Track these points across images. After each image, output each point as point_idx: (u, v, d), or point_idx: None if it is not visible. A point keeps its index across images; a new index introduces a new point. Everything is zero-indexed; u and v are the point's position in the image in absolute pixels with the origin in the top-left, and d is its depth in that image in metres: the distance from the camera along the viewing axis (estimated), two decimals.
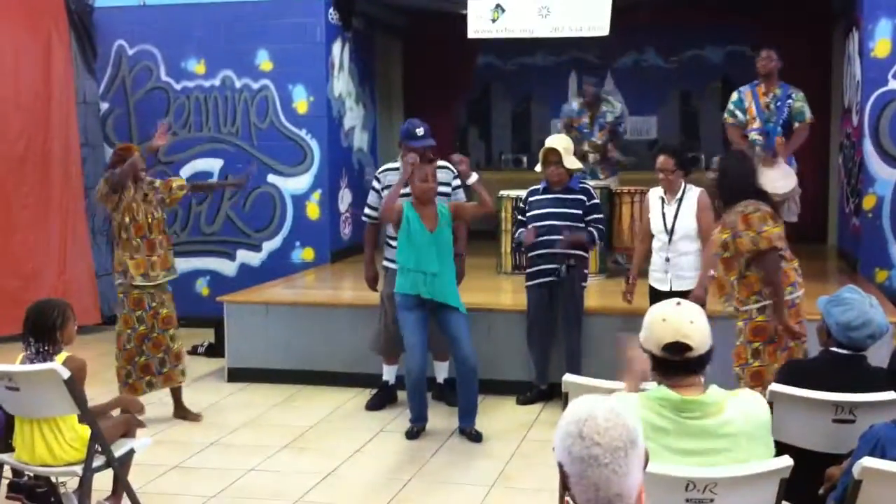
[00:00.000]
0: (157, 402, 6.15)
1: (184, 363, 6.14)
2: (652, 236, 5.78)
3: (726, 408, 2.58)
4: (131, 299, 5.89)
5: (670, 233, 5.65)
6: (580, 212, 6.07)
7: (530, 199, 6.21)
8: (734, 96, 7.38)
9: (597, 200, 6.24)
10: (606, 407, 1.85)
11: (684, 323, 2.58)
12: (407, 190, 5.59)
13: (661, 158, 5.69)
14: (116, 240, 5.93)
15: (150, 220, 5.89)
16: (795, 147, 7.21)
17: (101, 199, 5.94)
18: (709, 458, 2.57)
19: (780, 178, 6.93)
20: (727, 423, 2.57)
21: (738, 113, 7.31)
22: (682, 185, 5.70)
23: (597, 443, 1.78)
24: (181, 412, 6.13)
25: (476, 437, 5.60)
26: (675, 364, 2.58)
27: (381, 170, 6.16)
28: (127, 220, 5.83)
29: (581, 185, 6.20)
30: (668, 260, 5.67)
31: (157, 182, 6.08)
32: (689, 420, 2.56)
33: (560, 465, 1.83)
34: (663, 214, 5.70)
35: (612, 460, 1.77)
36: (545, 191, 6.15)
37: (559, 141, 6.26)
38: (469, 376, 5.62)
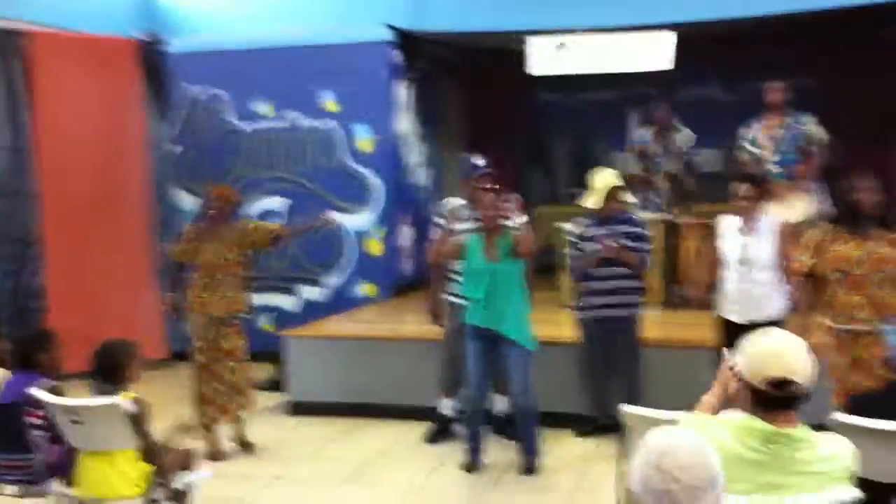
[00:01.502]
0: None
1: (246, 396, 6.24)
2: (724, 266, 5.62)
3: (816, 445, 2.53)
4: (195, 334, 6.09)
5: (750, 263, 5.50)
6: (634, 243, 6.06)
7: (582, 233, 6.19)
8: (744, 133, 7.37)
9: (646, 232, 6.21)
10: (690, 443, 1.82)
11: (793, 358, 2.51)
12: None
13: (744, 186, 5.52)
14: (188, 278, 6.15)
15: (220, 260, 6.07)
16: (815, 171, 7.15)
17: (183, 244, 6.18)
18: (788, 492, 2.51)
19: (795, 208, 6.88)
20: (814, 461, 2.52)
21: (753, 149, 7.29)
22: (761, 214, 5.58)
23: (675, 479, 1.75)
24: (240, 442, 6.26)
25: (533, 471, 5.58)
26: (778, 399, 2.51)
27: (445, 205, 6.23)
28: (198, 260, 6.06)
29: (628, 216, 6.21)
30: (747, 291, 5.49)
31: (251, 224, 6.33)
32: (778, 452, 2.50)
33: (634, 495, 1.81)
34: (743, 244, 5.53)
35: (689, 500, 1.75)
36: (597, 224, 6.14)
37: (614, 177, 6.24)
38: (521, 416, 5.61)
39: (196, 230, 6.21)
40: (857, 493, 2.59)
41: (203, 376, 6.09)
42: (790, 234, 5.48)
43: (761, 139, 7.28)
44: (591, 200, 6.13)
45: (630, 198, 6.26)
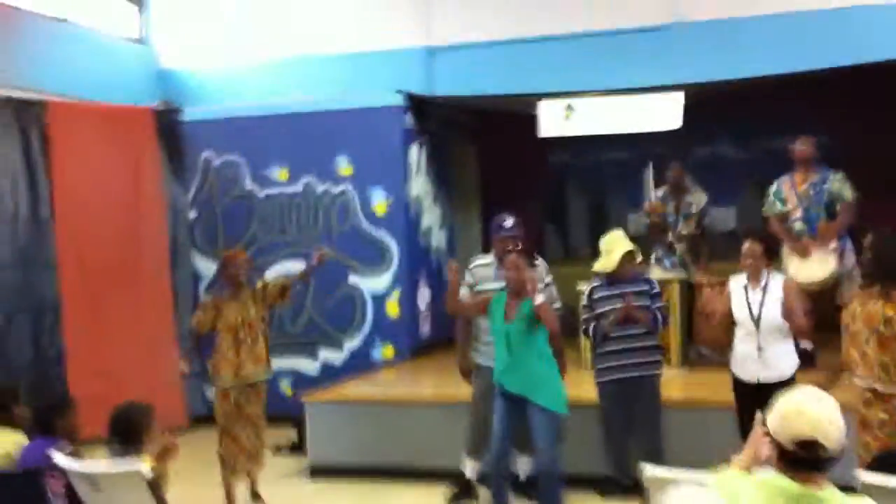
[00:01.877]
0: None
1: (260, 459, 6.35)
2: (734, 325, 5.63)
3: None
4: (219, 395, 6.21)
5: (757, 321, 5.49)
6: (648, 302, 6.05)
7: (595, 296, 6.18)
8: (773, 187, 7.39)
9: (658, 290, 6.22)
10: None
11: (824, 421, 2.47)
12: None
13: (747, 244, 5.57)
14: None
15: (239, 321, 6.19)
16: (840, 229, 7.13)
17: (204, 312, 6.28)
18: None
19: (815, 266, 6.85)
20: None
21: (778, 204, 7.29)
22: (766, 272, 5.59)
23: None
24: (252, 495, 6.40)
25: None
26: (804, 460, 2.48)
27: (473, 265, 6.25)
28: (220, 325, 6.19)
29: (640, 276, 6.21)
30: (760, 349, 5.47)
31: (260, 284, 6.45)
32: None
33: None
34: (748, 303, 5.54)
35: None
36: (609, 285, 6.13)
37: (624, 239, 6.22)
38: (543, 480, 5.54)
39: (213, 298, 6.38)
40: None
41: (223, 440, 6.19)
42: (795, 291, 5.51)
43: (787, 194, 7.28)
44: (602, 263, 6.14)
45: (640, 255, 6.25)
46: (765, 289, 5.51)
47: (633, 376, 6.04)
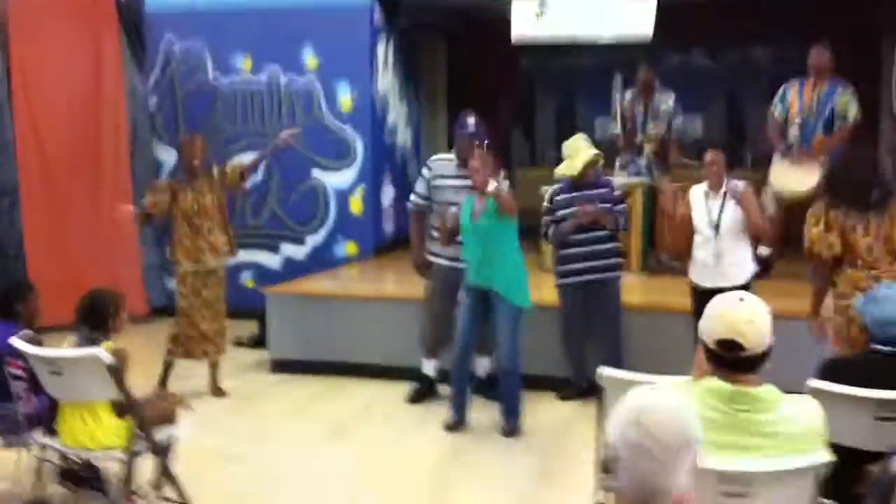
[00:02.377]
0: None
1: (218, 344, 6.42)
2: (694, 234, 5.72)
3: (780, 406, 2.55)
4: (178, 280, 6.32)
5: (716, 227, 5.59)
6: (609, 205, 6.06)
7: (556, 198, 6.18)
8: (781, 90, 7.28)
9: (619, 194, 6.25)
10: (670, 404, 1.85)
11: (741, 321, 2.53)
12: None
13: (709, 154, 5.64)
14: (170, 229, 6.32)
15: (195, 208, 6.21)
16: (833, 146, 7.00)
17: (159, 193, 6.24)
18: (751, 454, 2.53)
19: (797, 178, 6.85)
20: (777, 422, 2.54)
21: (779, 106, 7.21)
22: (726, 180, 5.65)
23: (652, 435, 1.78)
24: (213, 389, 6.47)
25: (514, 433, 5.62)
26: (726, 360, 2.56)
27: (433, 158, 6.23)
28: (175, 211, 6.20)
29: (603, 180, 6.22)
30: (718, 255, 5.58)
31: (217, 170, 6.41)
32: (738, 412, 2.53)
33: (613, 447, 1.83)
34: (708, 209, 5.64)
35: (664, 457, 1.78)
36: (570, 188, 6.14)
37: (588, 144, 6.19)
38: (505, 377, 5.62)
39: (169, 182, 6.33)
40: (828, 458, 2.60)
41: (180, 321, 6.30)
42: (752, 199, 5.57)
43: (792, 99, 7.15)
44: (564, 168, 6.13)
45: (602, 162, 6.25)
46: (724, 196, 5.61)
47: (593, 279, 6.09)
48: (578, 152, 6.07)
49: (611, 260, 6.13)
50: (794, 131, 7.12)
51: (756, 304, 2.60)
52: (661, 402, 1.85)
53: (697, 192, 5.76)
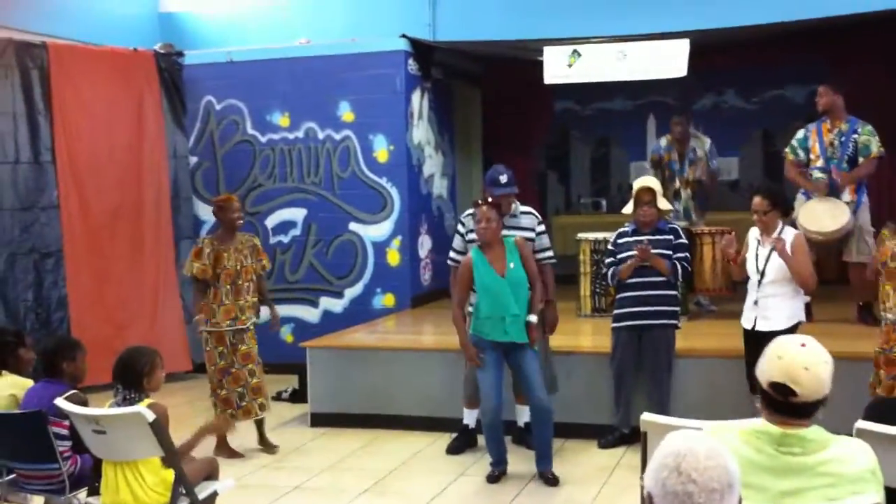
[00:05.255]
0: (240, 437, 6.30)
1: (263, 397, 6.38)
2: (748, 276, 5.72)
3: (830, 447, 2.48)
4: (214, 338, 6.23)
5: (761, 274, 5.57)
6: (670, 252, 6.05)
7: (619, 241, 6.18)
8: (800, 133, 7.27)
9: (684, 241, 6.21)
10: (708, 445, 1.82)
11: (798, 367, 2.47)
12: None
13: (756, 199, 5.61)
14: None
15: (238, 267, 6.24)
16: (857, 179, 7.00)
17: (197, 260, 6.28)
18: (807, 497, 2.45)
19: (826, 216, 6.80)
20: (829, 462, 2.46)
21: (801, 152, 7.21)
22: (779, 226, 5.61)
23: (693, 480, 1.76)
24: (261, 443, 6.45)
25: (553, 482, 5.55)
26: (778, 404, 2.50)
27: (466, 213, 6.20)
28: (217, 269, 6.21)
29: (669, 226, 6.20)
30: (756, 303, 5.60)
31: (258, 241, 6.55)
32: (788, 457, 2.46)
33: (649, 497, 1.81)
34: (756, 255, 5.63)
35: (707, 501, 1.75)
36: (634, 232, 6.14)
37: (652, 181, 6.28)
38: (542, 418, 5.57)
39: (211, 246, 6.29)
40: (881, 499, 2.51)
41: (224, 381, 6.26)
42: (802, 249, 5.55)
43: (812, 143, 7.15)
44: (628, 207, 6.16)
45: (666, 204, 6.26)
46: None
47: (646, 324, 6.05)
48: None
49: (665, 307, 6.06)
50: (816, 174, 7.10)
51: (817, 351, 2.52)
52: (699, 446, 1.82)
53: (752, 235, 5.75)
